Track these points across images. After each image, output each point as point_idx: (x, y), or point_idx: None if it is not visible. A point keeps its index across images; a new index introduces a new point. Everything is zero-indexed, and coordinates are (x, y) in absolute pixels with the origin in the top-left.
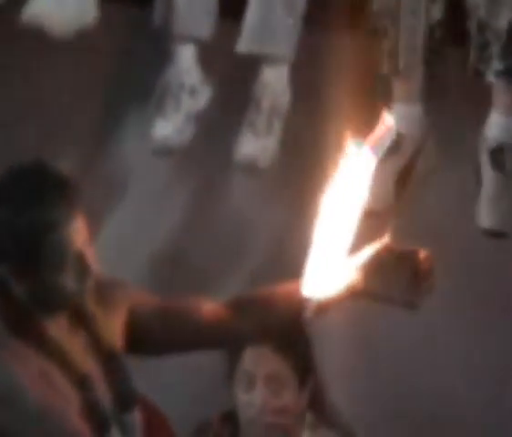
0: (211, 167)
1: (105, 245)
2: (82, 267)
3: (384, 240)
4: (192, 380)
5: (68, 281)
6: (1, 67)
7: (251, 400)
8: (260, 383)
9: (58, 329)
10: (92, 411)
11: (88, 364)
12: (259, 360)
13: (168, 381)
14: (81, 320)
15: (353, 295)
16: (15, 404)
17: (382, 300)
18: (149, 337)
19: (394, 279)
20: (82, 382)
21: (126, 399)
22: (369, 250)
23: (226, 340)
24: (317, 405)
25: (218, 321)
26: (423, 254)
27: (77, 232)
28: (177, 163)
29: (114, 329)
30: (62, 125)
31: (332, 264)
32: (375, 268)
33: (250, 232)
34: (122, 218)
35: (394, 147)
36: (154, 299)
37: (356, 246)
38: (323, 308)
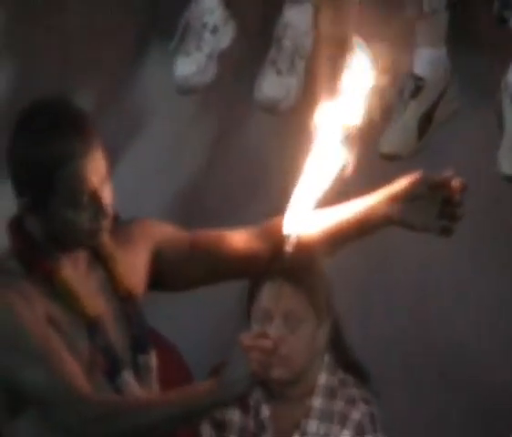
0: (234, 106)
1: (125, 182)
2: (97, 205)
3: (417, 172)
4: (208, 318)
5: (82, 219)
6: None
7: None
8: (277, 319)
9: (74, 269)
10: (103, 354)
11: (101, 306)
12: (276, 298)
13: (184, 320)
14: (99, 260)
15: (389, 224)
16: (16, 346)
17: (417, 229)
18: (178, 271)
19: (428, 208)
20: (92, 326)
21: (141, 341)
22: (403, 181)
23: (253, 268)
24: (335, 347)
25: (245, 249)
26: (455, 181)
27: (94, 169)
28: (199, 102)
29: (134, 269)
30: (86, 58)
31: (310, 204)
32: (410, 197)
33: (268, 174)
34: (143, 155)
35: (417, 91)
36: (181, 233)
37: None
38: (302, 244)
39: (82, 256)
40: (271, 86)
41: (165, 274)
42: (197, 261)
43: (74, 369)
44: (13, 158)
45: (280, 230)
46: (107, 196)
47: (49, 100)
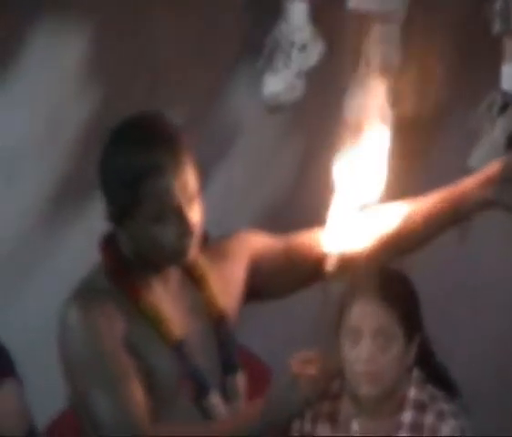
0: (322, 123)
1: (216, 199)
2: (182, 223)
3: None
4: (301, 334)
5: (167, 235)
6: (112, 21)
7: (358, 354)
8: (366, 338)
9: (164, 288)
10: (189, 378)
11: (190, 327)
12: (366, 316)
13: (277, 337)
14: (191, 279)
15: (485, 207)
16: (89, 368)
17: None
18: (276, 278)
19: None
20: (177, 349)
21: (229, 362)
22: (497, 164)
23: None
24: (424, 362)
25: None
26: None
27: (182, 185)
28: (287, 118)
29: (229, 287)
30: (175, 78)
31: (352, 217)
32: (505, 179)
33: None
34: (234, 172)
35: (505, 107)
36: (276, 241)
37: None
38: (345, 263)
39: (173, 275)
40: (357, 105)
41: (263, 284)
42: (292, 265)
43: (137, 400)
44: (103, 167)
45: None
46: (194, 214)
47: (143, 114)
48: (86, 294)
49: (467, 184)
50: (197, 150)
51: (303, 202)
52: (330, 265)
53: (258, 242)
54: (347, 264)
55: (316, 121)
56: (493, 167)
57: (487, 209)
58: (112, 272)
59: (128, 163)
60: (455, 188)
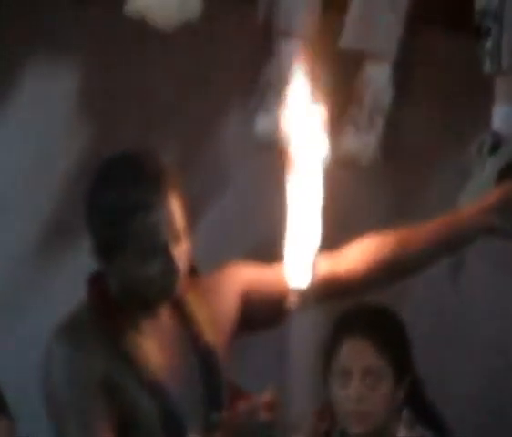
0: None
1: (209, 232)
2: (167, 261)
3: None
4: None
5: (152, 273)
6: (104, 55)
7: (348, 394)
8: (356, 377)
9: (152, 325)
10: (166, 417)
11: (175, 364)
12: (356, 355)
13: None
14: (180, 315)
15: (486, 232)
16: (67, 409)
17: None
18: (267, 308)
19: None
20: (154, 389)
21: (215, 397)
22: (497, 191)
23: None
24: (415, 402)
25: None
26: None
27: (167, 222)
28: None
29: (219, 320)
30: (165, 113)
31: (309, 252)
32: (504, 205)
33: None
34: (225, 206)
35: (496, 148)
36: (269, 270)
37: None
38: (307, 297)
39: (163, 310)
40: (352, 142)
41: (255, 314)
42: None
43: None
44: (90, 204)
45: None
46: (180, 251)
47: (130, 152)
48: (70, 331)
49: (468, 210)
50: (189, 184)
51: None
52: (293, 300)
53: (248, 273)
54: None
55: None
56: (493, 194)
57: (485, 235)
58: (97, 309)
59: (115, 200)
60: (455, 214)
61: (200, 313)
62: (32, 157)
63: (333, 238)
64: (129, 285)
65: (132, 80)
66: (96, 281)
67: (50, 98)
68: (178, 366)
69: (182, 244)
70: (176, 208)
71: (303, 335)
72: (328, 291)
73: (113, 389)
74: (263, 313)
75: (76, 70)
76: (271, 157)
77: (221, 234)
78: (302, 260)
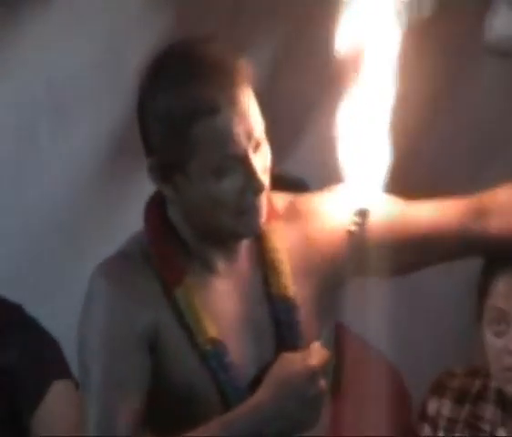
0: None
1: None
2: (249, 175)
3: None
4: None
5: (227, 191)
6: None
7: (506, 345)
8: None
9: (225, 267)
10: (227, 393)
11: (247, 317)
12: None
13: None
14: (256, 253)
15: None
16: (97, 359)
17: None
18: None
19: None
20: (208, 353)
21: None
22: None
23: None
24: None
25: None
26: None
27: (245, 127)
28: None
29: (313, 261)
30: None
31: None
32: None
33: None
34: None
35: None
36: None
37: None
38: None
39: (240, 247)
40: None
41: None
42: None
43: (126, 411)
44: (143, 109)
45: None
46: (262, 163)
47: (192, 41)
48: (114, 266)
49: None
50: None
51: None
52: (356, 224)
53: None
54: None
55: None
56: None
57: None
58: (151, 242)
59: (171, 102)
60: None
61: (287, 250)
62: (98, 54)
63: None
64: (199, 213)
65: None
66: (154, 207)
67: None
68: (249, 321)
69: (263, 154)
70: (251, 108)
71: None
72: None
73: (157, 347)
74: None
75: None
76: None
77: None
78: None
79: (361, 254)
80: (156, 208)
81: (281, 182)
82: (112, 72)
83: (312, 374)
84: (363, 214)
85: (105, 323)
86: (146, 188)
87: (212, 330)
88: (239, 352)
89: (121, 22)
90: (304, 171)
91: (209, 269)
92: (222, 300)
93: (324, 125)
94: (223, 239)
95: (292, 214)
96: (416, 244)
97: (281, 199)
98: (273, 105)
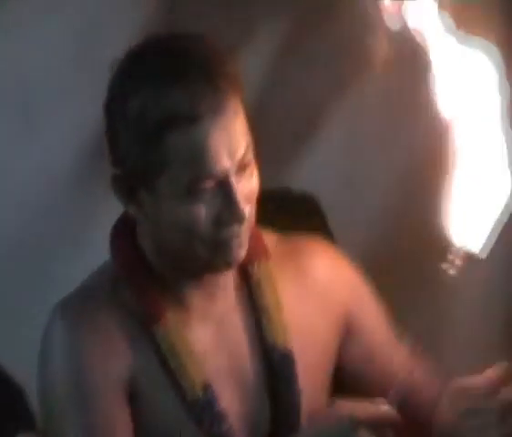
0: None
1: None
2: (229, 201)
3: None
4: None
5: (201, 218)
6: None
7: None
8: None
9: (204, 302)
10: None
11: (235, 365)
12: None
13: None
14: (244, 294)
15: None
16: (66, 412)
17: None
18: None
19: None
20: (197, 401)
21: (287, 414)
22: None
23: None
24: None
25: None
26: None
27: (228, 143)
28: None
29: (311, 315)
30: None
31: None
32: None
33: None
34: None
35: None
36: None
37: None
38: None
39: (220, 281)
40: None
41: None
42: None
43: None
44: (110, 110)
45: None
46: (246, 187)
47: (175, 34)
48: (82, 304)
49: None
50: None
51: None
52: (453, 262)
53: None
54: None
55: None
56: None
57: None
58: (121, 274)
59: (146, 103)
60: None
61: (281, 290)
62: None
63: None
64: (168, 238)
65: None
66: (123, 230)
67: None
68: (237, 371)
69: (249, 178)
70: (237, 122)
71: None
72: None
73: (137, 394)
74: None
75: None
76: None
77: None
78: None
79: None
80: (124, 231)
81: (289, 198)
82: (87, 69)
83: None
84: (461, 254)
85: (71, 367)
86: None
87: (201, 375)
88: (227, 403)
89: (98, 14)
90: (312, 184)
91: (184, 306)
92: (202, 343)
93: (334, 131)
94: (198, 272)
95: (286, 258)
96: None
97: (272, 238)
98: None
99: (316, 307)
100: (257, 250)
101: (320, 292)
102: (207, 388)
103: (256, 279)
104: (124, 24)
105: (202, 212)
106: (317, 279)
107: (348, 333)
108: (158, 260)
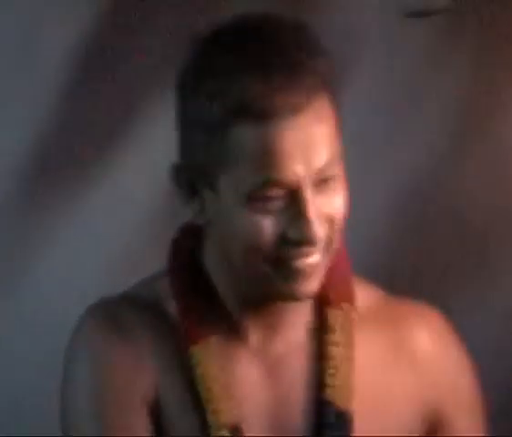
0: None
1: None
2: (299, 217)
3: None
4: None
5: (265, 233)
6: None
7: None
8: None
9: (261, 334)
10: None
11: (279, 415)
12: None
13: None
14: (309, 344)
15: None
16: (88, 428)
17: None
18: None
19: None
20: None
21: None
22: None
23: None
24: None
25: None
26: None
27: (304, 149)
28: None
29: (391, 383)
30: None
31: None
32: None
33: None
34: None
35: None
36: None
37: None
38: None
39: (285, 317)
40: None
41: None
42: None
43: None
44: (180, 96)
45: None
46: (325, 207)
47: (260, 17)
48: (115, 308)
49: None
50: None
51: None
52: None
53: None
54: None
55: None
56: None
57: None
58: (176, 288)
59: (218, 91)
60: None
61: (355, 349)
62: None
63: None
64: (229, 250)
65: None
66: (183, 242)
67: None
68: (281, 419)
69: (332, 195)
70: (321, 125)
71: None
72: None
73: (159, 419)
74: None
75: None
76: None
77: None
78: None
79: None
80: (185, 243)
81: None
82: (27, 73)
83: None
84: None
85: (97, 385)
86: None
87: (232, 413)
88: None
89: (39, 16)
90: None
91: (237, 336)
92: (247, 381)
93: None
94: (260, 300)
95: (384, 318)
96: None
97: (371, 291)
98: None
99: (405, 382)
100: (340, 292)
101: (415, 368)
102: (235, 430)
103: (331, 325)
104: (64, 31)
105: (266, 225)
106: (416, 353)
107: (430, 427)
108: (221, 279)
